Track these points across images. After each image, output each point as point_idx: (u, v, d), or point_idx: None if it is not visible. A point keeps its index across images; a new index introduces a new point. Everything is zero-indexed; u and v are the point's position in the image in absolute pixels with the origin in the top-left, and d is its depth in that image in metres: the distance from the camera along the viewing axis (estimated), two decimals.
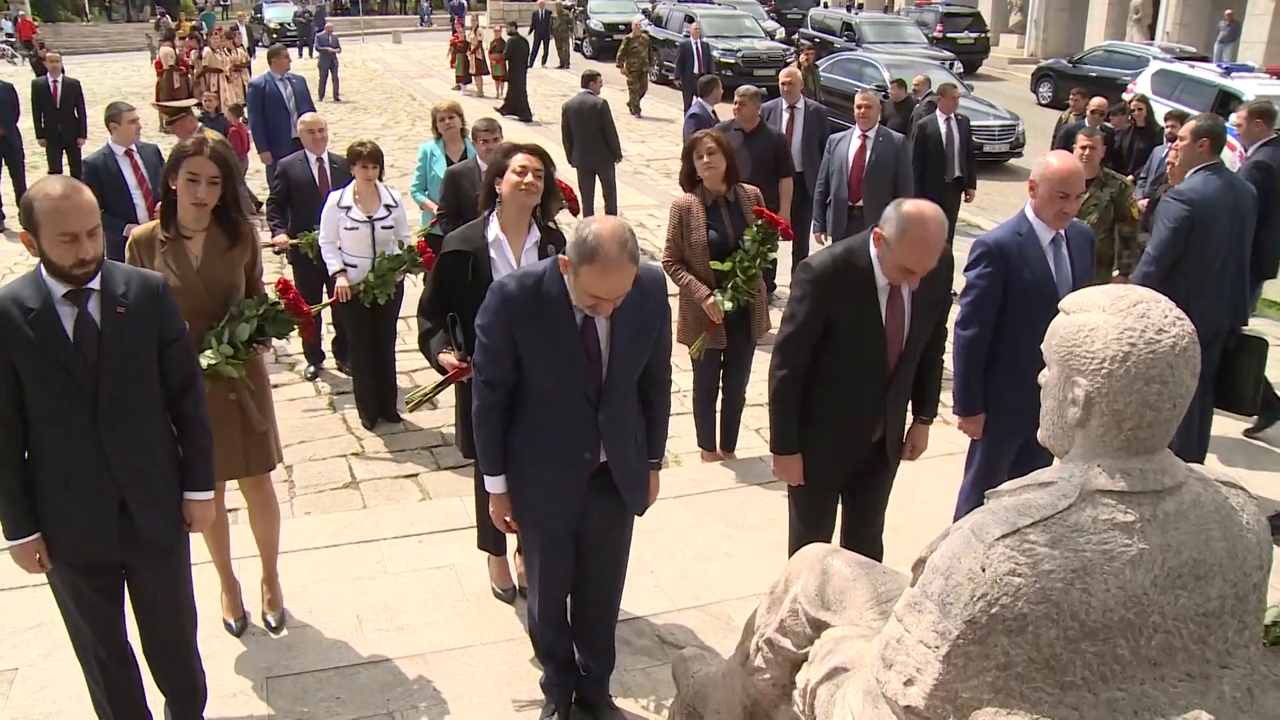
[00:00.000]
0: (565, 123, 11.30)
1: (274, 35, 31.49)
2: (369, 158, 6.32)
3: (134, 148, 7.36)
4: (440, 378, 4.38)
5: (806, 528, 4.19)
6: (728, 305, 5.69)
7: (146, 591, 3.49)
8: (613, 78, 25.03)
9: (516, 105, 20.36)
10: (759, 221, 5.76)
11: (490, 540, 4.76)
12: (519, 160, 4.07)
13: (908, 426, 4.27)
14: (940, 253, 3.68)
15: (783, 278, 8.30)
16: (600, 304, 3.25)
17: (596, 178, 11.38)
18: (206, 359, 3.95)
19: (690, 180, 5.80)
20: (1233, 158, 9.83)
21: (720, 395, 6.29)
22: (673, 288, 9.37)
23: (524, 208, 4.16)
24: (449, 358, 4.20)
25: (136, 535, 3.32)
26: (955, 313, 4.42)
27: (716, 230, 5.74)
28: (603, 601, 3.87)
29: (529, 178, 4.06)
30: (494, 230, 4.15)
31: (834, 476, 4.17)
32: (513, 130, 12.85)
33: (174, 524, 3.44)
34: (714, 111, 9.45)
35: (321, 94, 21.33)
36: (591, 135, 11.09)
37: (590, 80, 11.53)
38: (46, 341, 3.08)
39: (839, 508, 4.33)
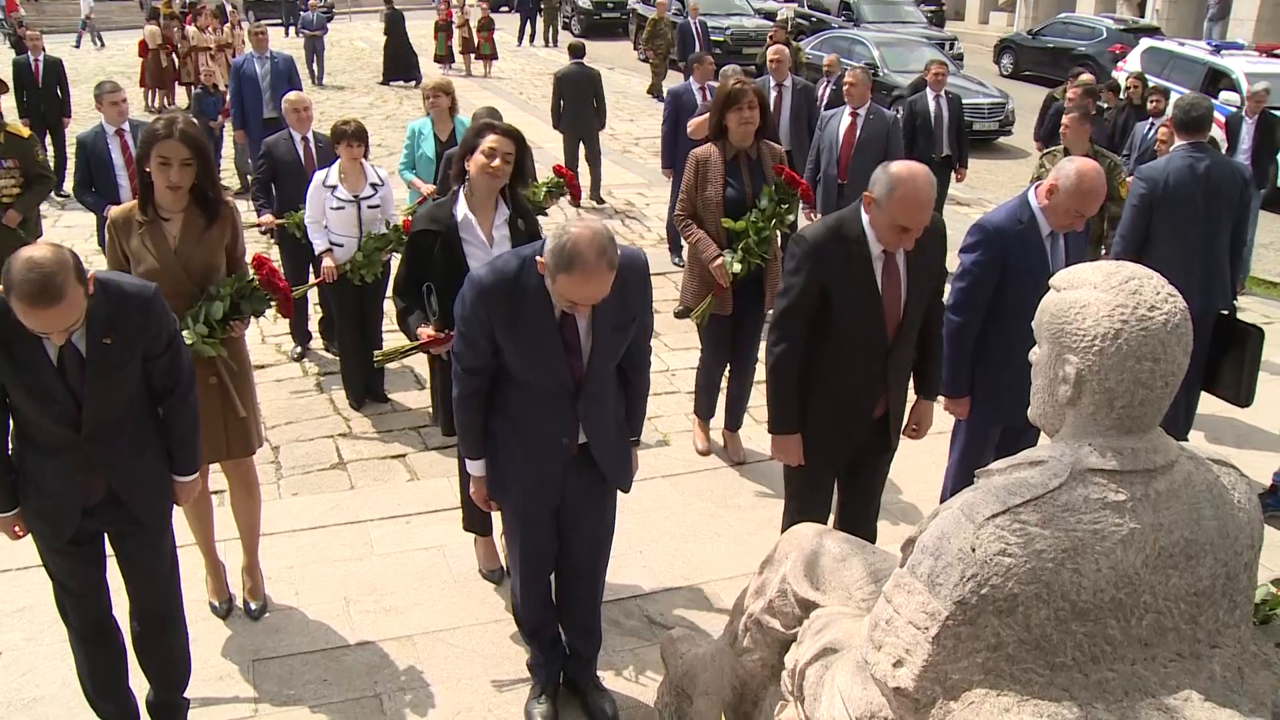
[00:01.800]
0: (557, 89, 11.59)
1: (258, 12, 31.05)
2: (353, 136, 6.23)
3: (125, 127, 7.27)
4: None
5: (802, 508, 4.13)
6: (736, 268, 5.39)
7: (132, 559, 3.52)
8: (600, 55, 24.91)
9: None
10: (779, 180, 5.53)
11: (476, 522, 4.73)
12: (489, 141, 4.03)
13: (910, 404, 4.23)
14: (931, 208, 3.64)
15: None
16: (579, 306, 3.24)
17: (581, 144, 11.66)
18: (185, 338, 3.89)
19: (717, 131, 5.53)
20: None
21: (729, 368, 6.04)
22: (663, 266, 9.50)
23: (491, 189, 4.14)
24: (427, 329, 4.18)
25: (122, 509, 3.38)
26: (947, 294, 4.37)
27: (734, 187, 5.49)
28: (586, 579, 3.85)
29: (496, 161, 4.01)
30: (462, 209, 4.12)
31: (834, 455, 4.10)
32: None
33: (161, 503, 3.51)
34: (704, 89, 9.34)
35: (313, 77, 20.81)
36: (583, 103, 11.40)
37: (581, 51, 12.10)
38: (28, 368, 3.11)
39: (835, 488, 4.28)
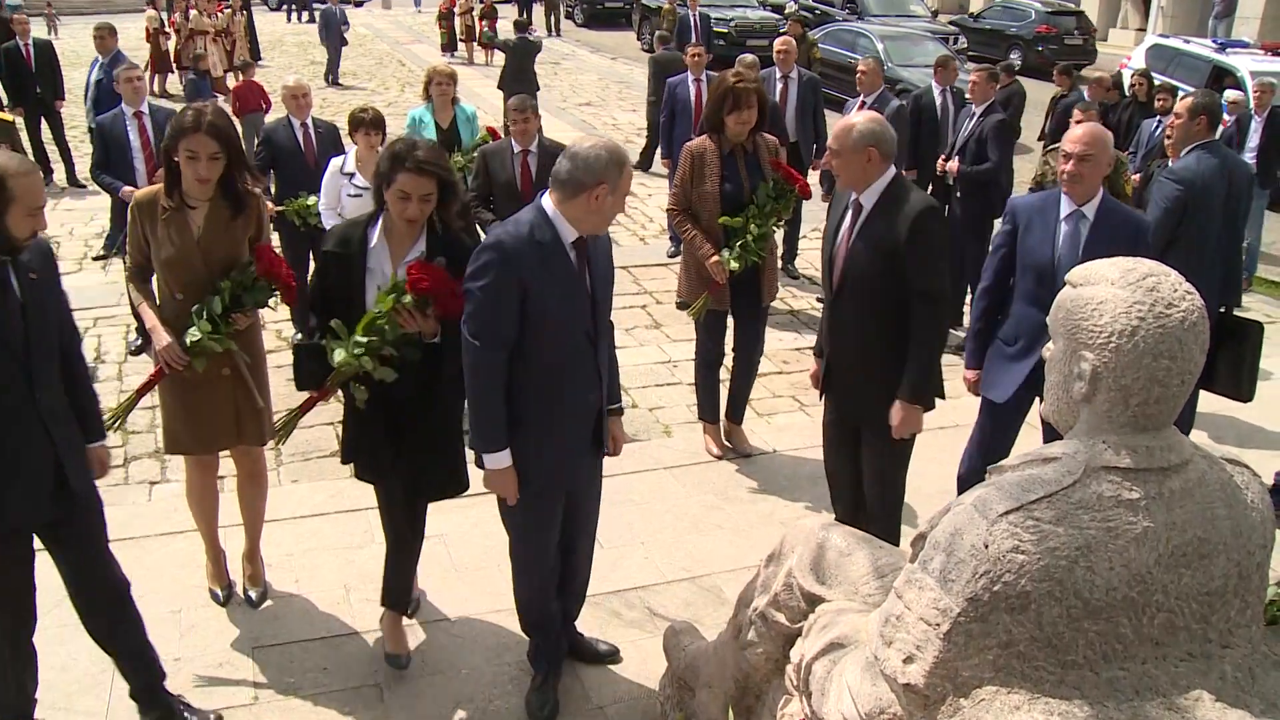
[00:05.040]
0: (506, 61, 14.17)
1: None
2: (371, 125, 6.17)
3: (145, 109, 7.22)
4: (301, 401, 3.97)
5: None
6: (734, 265, 5.30)
7: (79, 545, 3.45)
8: (603, 44, 24.88)
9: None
10: (775, 175, 5.42)
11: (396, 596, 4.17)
12: (400, 183, 3.51)
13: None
14: (847, 136, 3.92)
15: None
16: (599, 228, 3.47)
17: None
18: (190, 336, 3.89)
19: (712, 124, 5.41)
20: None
21: (732, 362, 5.94)
22: (663, 257, 9.49)
23: (409, 229, 3.69)
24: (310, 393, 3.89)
25: (67, 489, 3.33)
26: None
27: (731, 182, 5.37)
28: (588, 551, 4.01)
29: (411, 209, 3.56)
30: (376, 235, 3.70)
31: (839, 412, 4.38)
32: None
33: (88, 472, 3.48)
34: (700, 81, 9.29)
35: (333, 78, 20.09)
36: (525, 69, 13.91)
37: (525, 26, 14.99)
38: None
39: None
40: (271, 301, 4.20)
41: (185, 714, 3.75)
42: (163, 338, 3.93)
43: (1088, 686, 1.97)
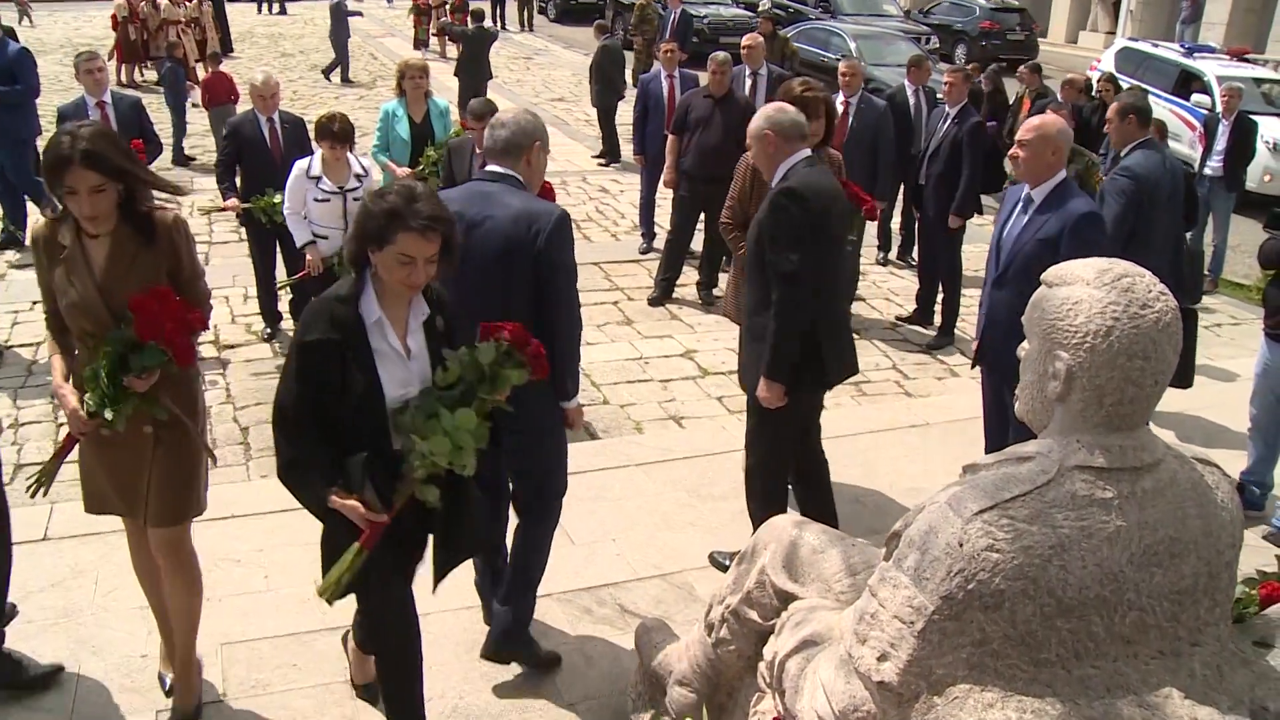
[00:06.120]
0: (465, 48, 14.46)
1: None
2: (338, 138, 6.01)
3: (107, 99, 7.14)
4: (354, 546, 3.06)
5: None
6: None
7: None
8: (576, 39, 24.81)
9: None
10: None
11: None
12: (404, 244, 2.88)
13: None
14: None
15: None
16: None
17: (475, 93, 13.20)
18: (86, 403, 3.26)
19: None
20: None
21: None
22: (632, 253, 9.48)
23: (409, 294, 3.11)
24: (356, 504, 2.98)
25: None
26: None
27: None
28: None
29: (416, 276, 2.96)
30: (373, 308, 3.03)
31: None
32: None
33: None
34: (672, 76, 9.28)
35: (344, 75, 19.17)
36: (479, 57, 14.37)
37: (481, 16, 16.03)
38: None
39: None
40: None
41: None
42: (69, 402, 3.33)
43: (1060, 684, 1.98)
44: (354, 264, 3.05)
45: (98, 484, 3.55)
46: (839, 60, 10.54)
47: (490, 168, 3.70)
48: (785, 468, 4.58)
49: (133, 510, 3.54)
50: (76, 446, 3.46)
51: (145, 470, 3.45)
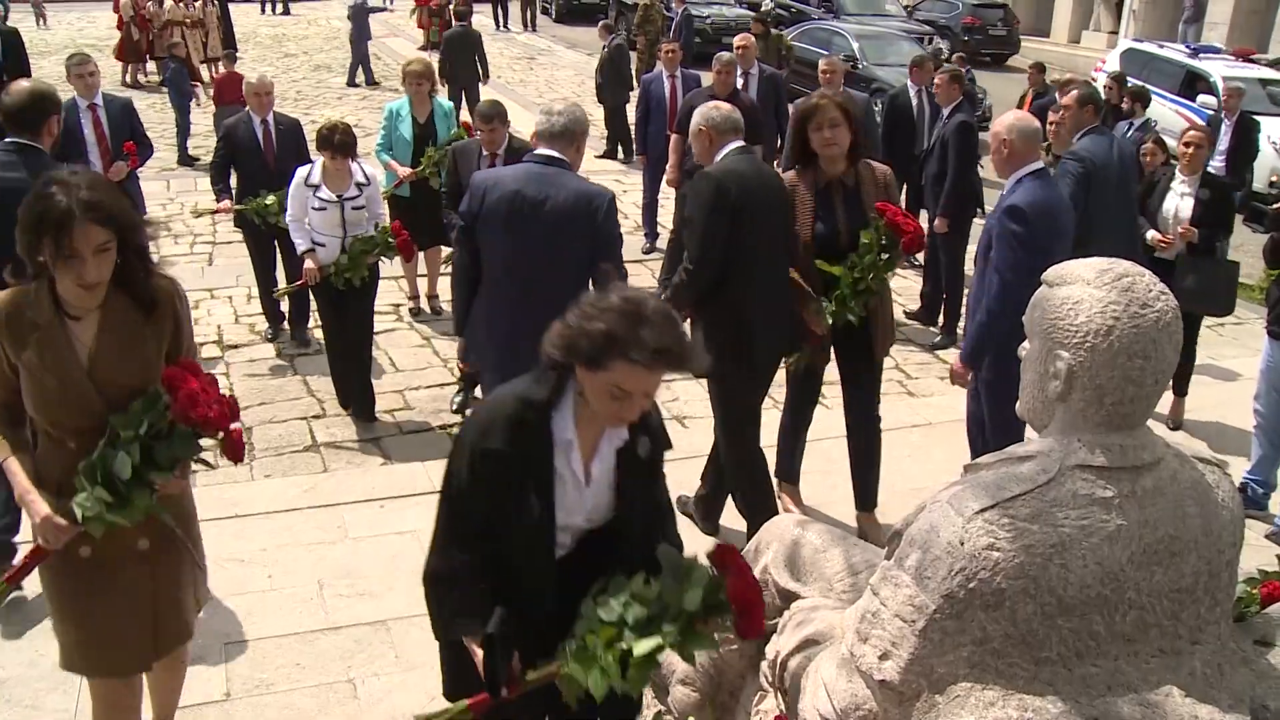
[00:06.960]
0: (445, 49, 14.23)
1: None
2: (338, 148, 5.87)
3: (99, 101, 7.15)
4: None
5: None
6: (828, 319, 4.58)
7: None
8: (579, 40, 24.83)
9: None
10: (879, 222, 4.53)
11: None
12: (621, 377, 2.30)
13: None
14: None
15: None
16: None
17: (464, 94, 13.79)
18: (81, 508, 2.64)
19: (801, 156, 4.66)
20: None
21: (848, 439, 5.12)
22: (636, 254, 9.46)
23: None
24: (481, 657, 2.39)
25: None
26: None
27: (825, 222, 4.59)
28: None
29: (629, 411, 2.40)
30: (567, 425, 2.51)
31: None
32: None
33: None
34: (674, 77, 9.28)
35: (369, 77, 18.82)
36: (466, 60, 14.11)
37: (466, 16, 15.46)
38: None
39: None
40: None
41: None
42: (39, 508, 2.71)
43: (1061, 683, 1.99)
44: (555, 376, 2.49)
45: (77, 639, 2.90)
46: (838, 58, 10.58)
47: (543, 150, 4.17)
48: (749, 453, 4.75)
49: (124, 668, 2.96)
50: (36, 570, 2.84)
51: (146, 609, 2.90)
